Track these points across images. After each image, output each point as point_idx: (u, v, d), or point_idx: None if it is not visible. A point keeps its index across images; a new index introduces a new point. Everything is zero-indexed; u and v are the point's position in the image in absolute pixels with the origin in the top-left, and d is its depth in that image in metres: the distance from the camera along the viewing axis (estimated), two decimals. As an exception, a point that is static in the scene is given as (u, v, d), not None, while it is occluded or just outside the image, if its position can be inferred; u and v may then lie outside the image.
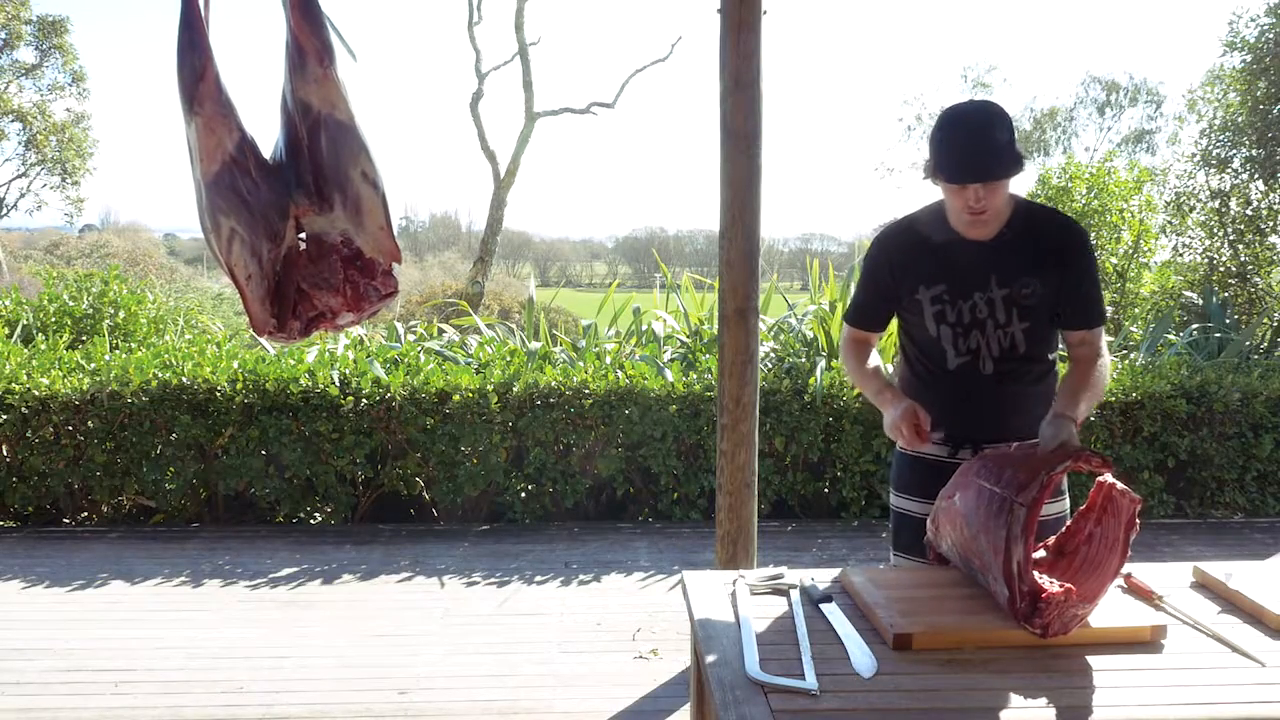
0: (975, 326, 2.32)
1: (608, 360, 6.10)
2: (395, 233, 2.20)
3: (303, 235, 2.19)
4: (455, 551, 5.15)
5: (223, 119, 2.03)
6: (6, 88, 21.41)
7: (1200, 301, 9.28)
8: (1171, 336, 7.59)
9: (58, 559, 4.98)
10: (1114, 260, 10.48)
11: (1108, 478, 2.04)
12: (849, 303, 2.53)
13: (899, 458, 2.54)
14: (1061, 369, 2.45)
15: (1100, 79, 30.43)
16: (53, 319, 7.30)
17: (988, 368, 2.33)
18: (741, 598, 2.13)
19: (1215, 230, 10.32)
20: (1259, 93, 9.44)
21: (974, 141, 2.16)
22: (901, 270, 2.39)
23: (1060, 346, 2.46)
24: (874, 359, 2.51)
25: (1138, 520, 1.96)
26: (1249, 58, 9.58)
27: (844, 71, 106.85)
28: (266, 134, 2.19)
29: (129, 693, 3.49)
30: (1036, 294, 2.29)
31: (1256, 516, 5.76)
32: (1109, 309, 10.22)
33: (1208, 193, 10.35)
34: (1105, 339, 2.37)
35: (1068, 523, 2.15)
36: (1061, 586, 1.86)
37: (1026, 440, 2.22)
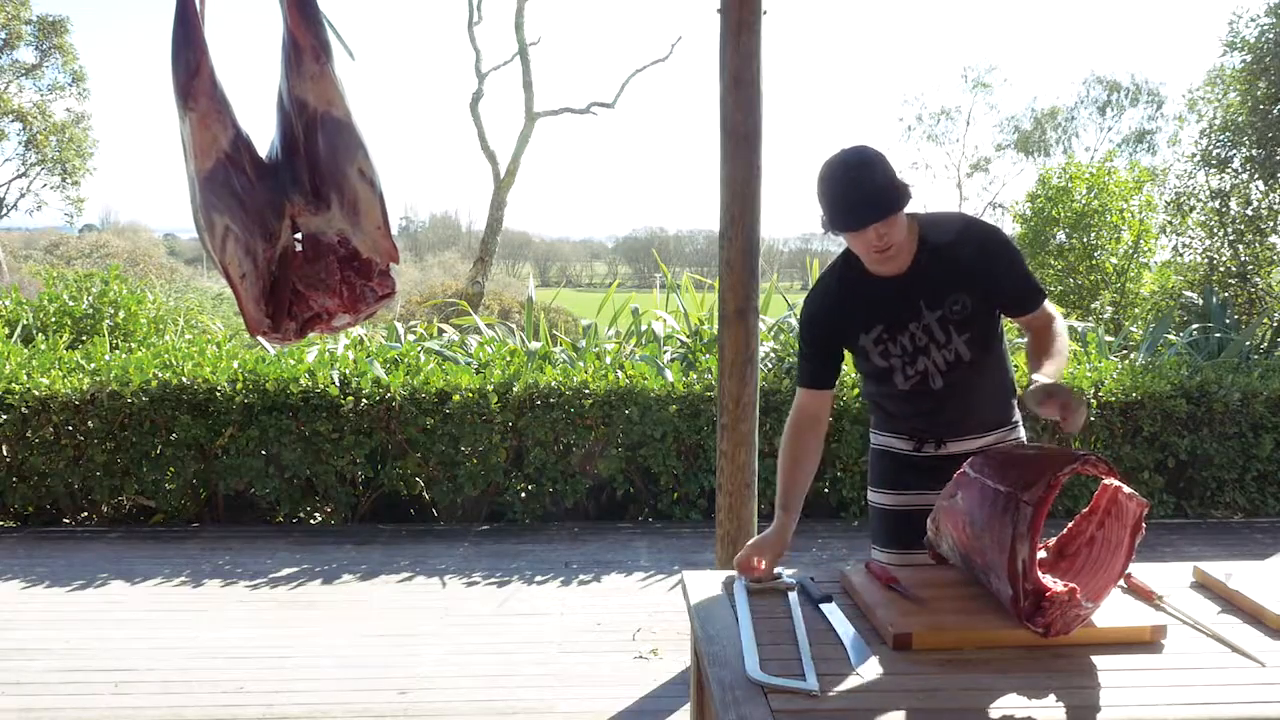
0: (920, 352, 2.38)
1: (608, 360, 6.09)
2: (393, 233, 2.19)
3: (299, 235, 2.18)
4: (455, 551, 5.15)
5: (217, 115, 2.02)
6: (6, 88, 21.41)
7: (1200, 301, 9.28)
8: (1171, 336, 7.59)
9: (58, 559, 4.98)
10: (1114, 260, 10.49)
11: (1113, 482, 2.04)
12: (798, 370, 2.54)
13: (871, 453, 2.62)
14: (1019, 360, 2.48)
15: (1102, 79, 30.43)
16: (53, 319, 7.30)
17: (937, 383, 2.39)
18: (741, 598, 2.13)
19: (1215, 230, 10.32)
20: (1259, 93, 9.44)
21: (855, 187, 2.21)
22: (838, 326, 2.44)
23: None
24: (810, 455, 2.46)
25: (1144, 524, 1.95)
26: (1249, 58, 9.58)
27: (844, 71, 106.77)
28: (263, 132, 2.19)
29: (129, 693, 3.49)
30: (967, 307, 2.34)
31: (1256, 516, 5.76)
32: (1109, 309, 10.22)
33: (1208, 193, 10.35)
34: (1050, 304, 2.42)
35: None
36: (1065, 586, 1.85)
37: (984, 431, 2.39)
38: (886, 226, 2.22)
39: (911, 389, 2.40)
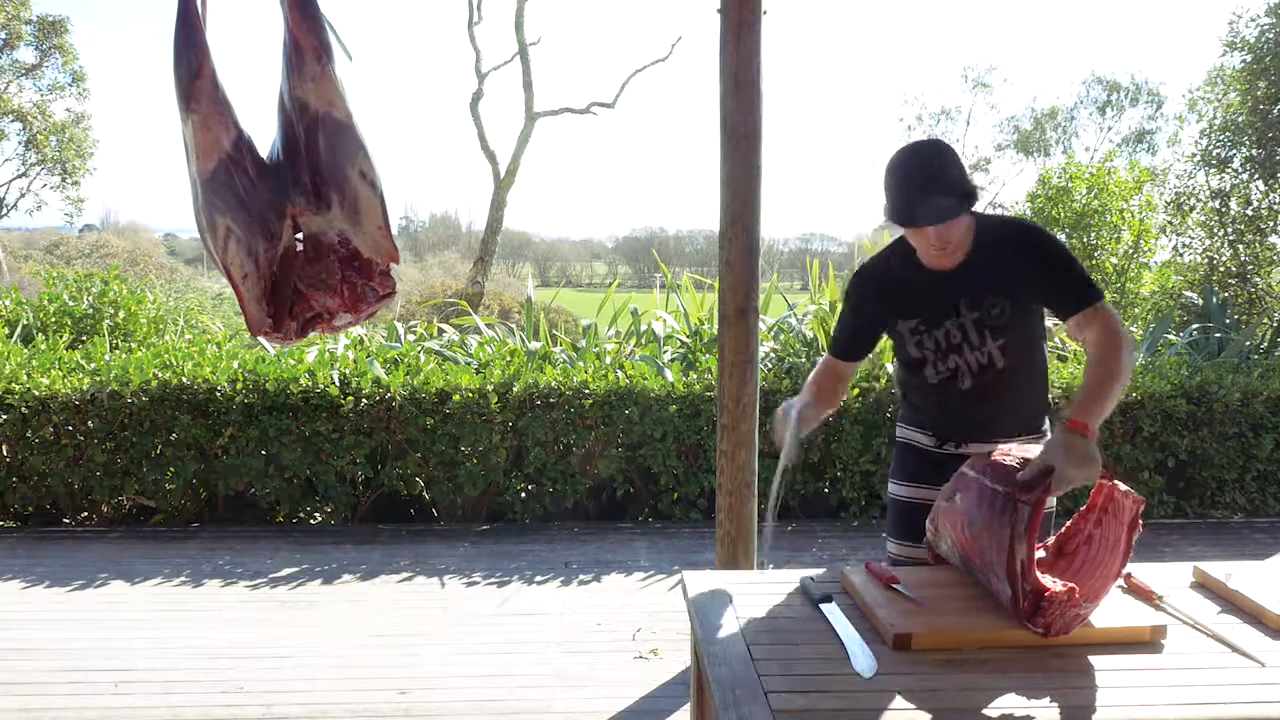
0: (953, 350, 2.39)
1: (608, 360, 6.09)
2: (394, 233, 2.20)
3: (300, 235, 2.19)
4: (455, 551, 5.15)
5: (219, 117, 2.03)
6: (6, 88, 21.41)
7: (1200, 301, 9.28)
8: (1171, 336, 7.58)
9: (58, 559, 4.98)
10: (1114, 260, 10.48)
11: (1109, 480, 2.04)
12: (832, 335, 2.60)
13: (895, 445, 2.65)
14: (1066, 371, 2.45)
15: (1102, 79, 30.39)
16: (53, 319, 7.30)
17: (965, 383, 2.40)
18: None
19: (1215, 230, 10.32)
20: (1259, 93, 9.44)
21: (924, 184, 2.20)
22: (880, 304, 2.47)
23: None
24: (829, 401, 2.53)
25: (1140, 521, 1.95)
26: (1249, 58, 9.58)
27: (844, 71, 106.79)
28: (264, 133, 2.19)
29: (129, 693, 3.49)
30: (1006, 313, 2.33)
31: (1256, 516, 5.76)
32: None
33: (1208, 193, 10.35)
34: (1115, 313, 2.28)
35: (1054, 519, 2.16)
36: (1065, 586, 1.86)
37: (1007, 437, 2.35)
38: (946, 226, 2.22)
39: (940, 384, 2.41)
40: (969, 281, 2.34)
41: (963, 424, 2.45)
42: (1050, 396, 2.55)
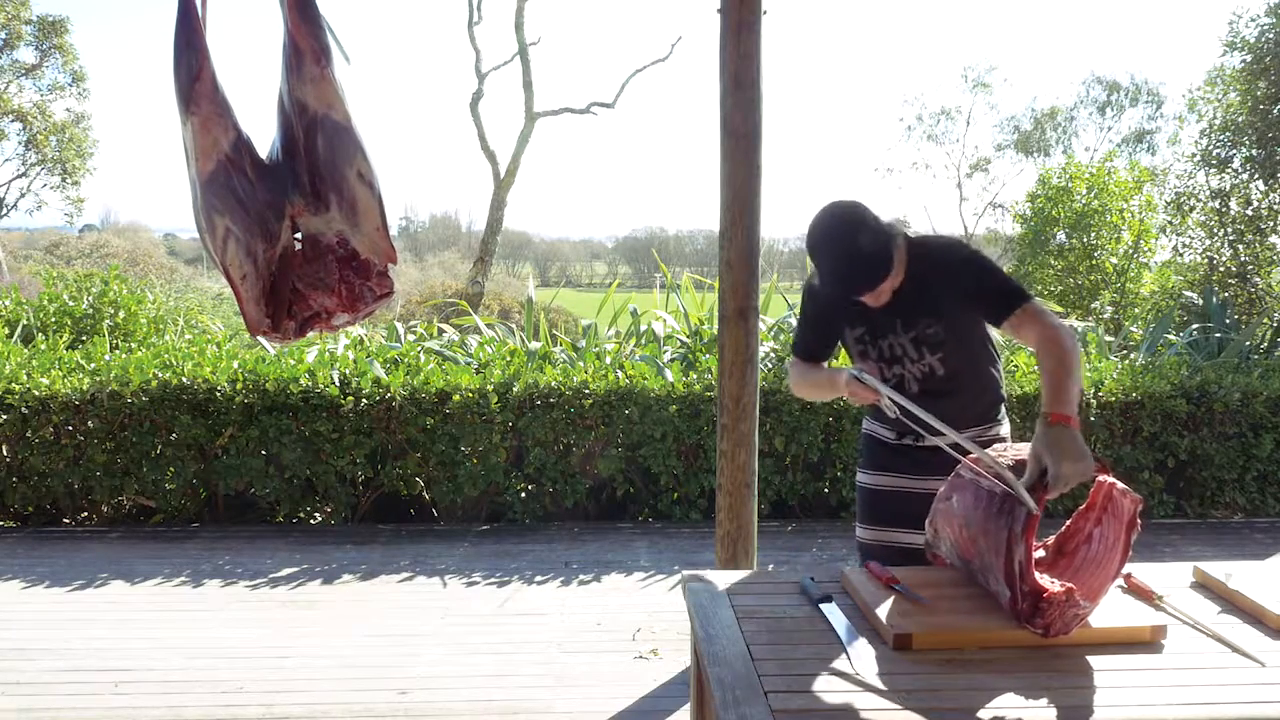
0: (895, 362, 2.48)
1: (608, 360, 6.10)
2: (393, 233, 2.20)
3: (298, 235, 2.19)
4: (455, 551, 5.15)
5: (219, 118, 2.03)
6: (6, 88, 21.42)
7: (1200, 301, 9.28)
8: (1171, 336, 7.59)
9: (58, 559, 4.98)
10: (1114, 260, 10.49)
11: (1108, 478, 2.04)
12: (795, 338, 2.71)
13: (861, 436, 2.75)
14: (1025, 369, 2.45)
15: (1102, 79, 30.40)
16: (53, 319, 7.30)
17: (913, 389, 2.48)
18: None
19: (1215, 230, 10.33)
20: (1259, 93, 9.45)
21: (839, 255, 2.28)
22: (829, 313, 2.57)
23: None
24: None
25: (1139, 520, 1.96)
26: (1249, 58, 9.59)
27: (844, 71, 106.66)
28: (263, 134, 2.19)
29: (129, 693, 3.49)
30: (940, 332, 2.42)
31: (1256, 516, 5.76)
32: (1109, 309, 10.21)
33: (1208, 193, 10.35)
34: (1044, 309, 2.29)
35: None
36: (1063, 586, 1.85)
37: (963, 428, 2.37)
38: (873, 290, 2.33)
39: (891, 388, 2.45)
40: (901, 306, 2.42)
41: (916, 422, 2.47)
42: (1004, 388, 2.62)
